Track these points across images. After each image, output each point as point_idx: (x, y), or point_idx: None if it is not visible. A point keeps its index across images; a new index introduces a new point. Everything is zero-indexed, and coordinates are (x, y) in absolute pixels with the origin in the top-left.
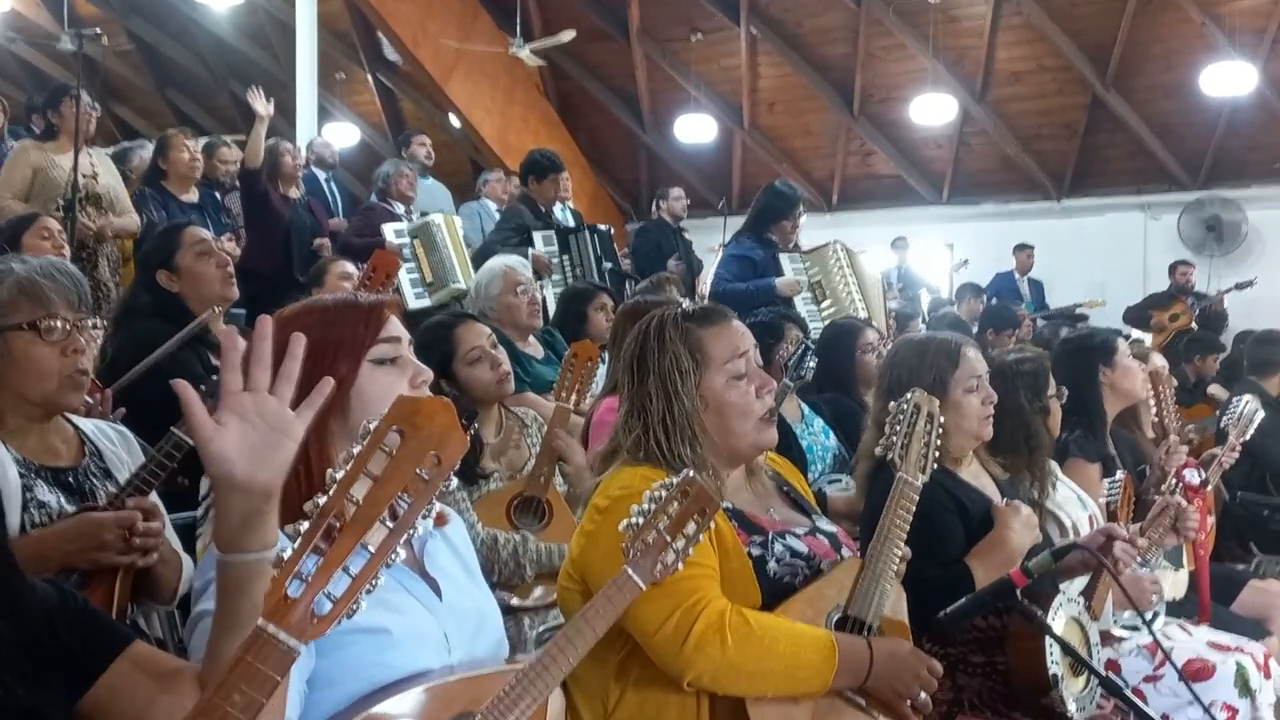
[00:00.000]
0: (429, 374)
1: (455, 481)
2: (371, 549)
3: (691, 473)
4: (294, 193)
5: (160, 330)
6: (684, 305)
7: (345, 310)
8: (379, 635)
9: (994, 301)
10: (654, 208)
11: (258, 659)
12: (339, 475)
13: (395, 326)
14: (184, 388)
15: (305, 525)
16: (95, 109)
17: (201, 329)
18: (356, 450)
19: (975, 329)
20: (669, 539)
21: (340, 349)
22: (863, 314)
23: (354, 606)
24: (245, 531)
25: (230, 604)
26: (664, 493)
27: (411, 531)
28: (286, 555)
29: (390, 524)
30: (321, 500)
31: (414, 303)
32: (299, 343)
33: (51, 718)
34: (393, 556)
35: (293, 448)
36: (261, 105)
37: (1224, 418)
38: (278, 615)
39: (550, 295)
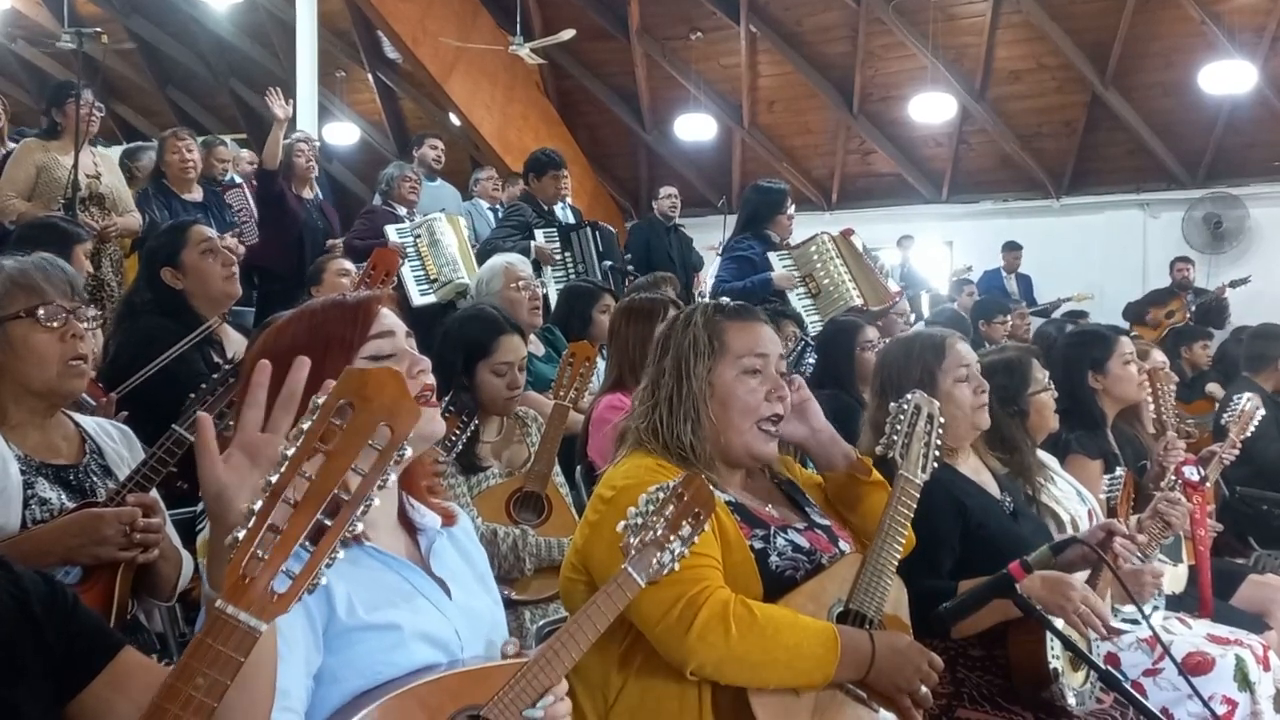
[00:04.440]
0: (426, 363)
1: (408, 451)
2: (328, 523)
3: (676, 481)
4: (308, 193)
5: (163, 327)
6: (722, 301)
7: (332, 310)
8: (389, 632)
9: (984, 297)
10: (651, 207)
11: (218, 640)
12: (290, 452)
13: (387, 320)
14: (205, 423)
15: (259, 503)
16: (100, 109)
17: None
18: (307, 425)
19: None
20: (665, 540)
21: (329, 349)
22: (858, 301)
23: (314, 582)
24: None
25: None
26: (661, 495)
27: (370, 501)
28: (241, 535)
29: (345, 497)
30: (274, 478)
31: (419, 299)
32: (322, 391)
33: (33, 718)
34: (350, 529)
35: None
36: (280, 108)
37: (1225, 415)
38: (236, 595)
39: (552, 290)
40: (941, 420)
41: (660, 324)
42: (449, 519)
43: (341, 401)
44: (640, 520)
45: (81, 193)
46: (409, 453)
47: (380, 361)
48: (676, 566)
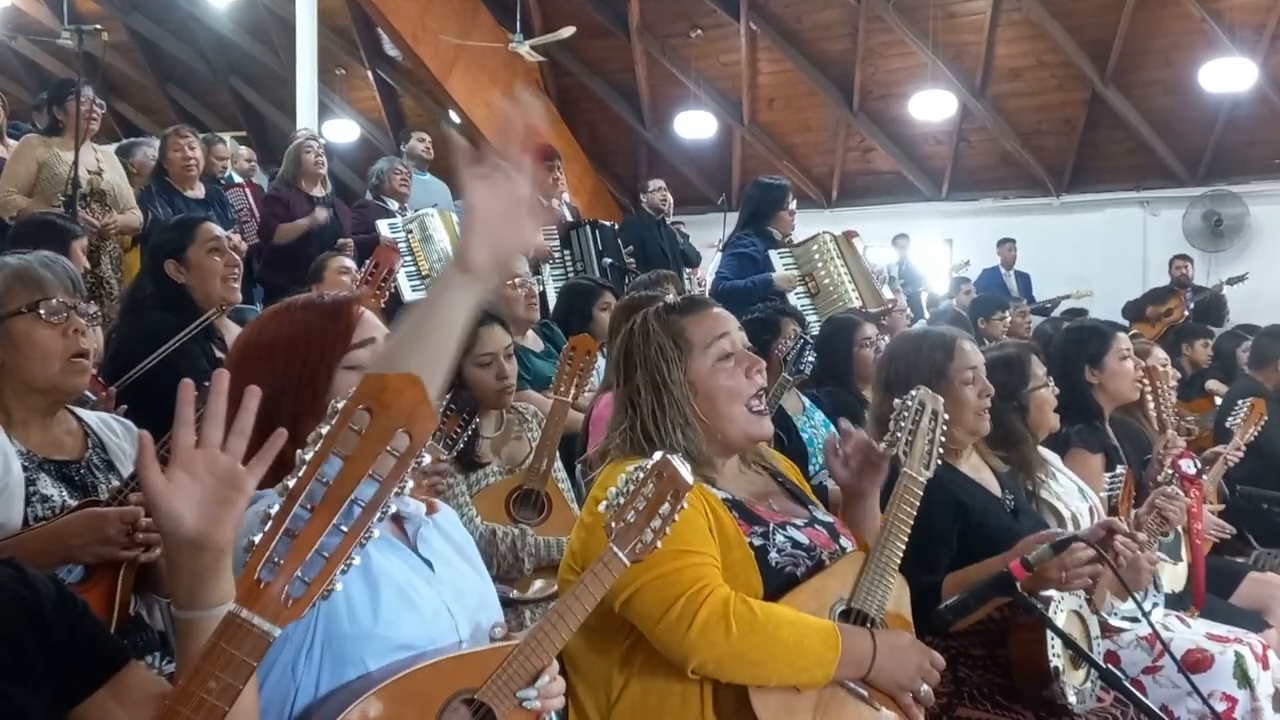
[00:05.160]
0: None
1: (426, 458)
2: (344, 529)
3: (662, 454)
4: (319, 190)
5: (166, 322)
6: (667, 299)
7: (312, 310)
8: (379, 601)
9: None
10: (640, 201)
11: (232, 644)
12: (308, 456)
13: (369, 326)
14: (145, 441)
15: (276, 507)
16: (101, 106)
17: (207, 324)
18: (325, 430)
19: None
20: (647, 519)
21: (310, 348)
22: (856, 302)
23: (329, 588)
24: (199, 587)
25: (189, 659)
26: (640, 474)
27: (386, 509)
28: (257, 540)
29: (363, 503)
30: (290, 483)
31: (410, 295)
32: (252, 397)
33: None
34: (366, 536)
35: (244, 503)
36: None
37: (1230, 418)
38: (251, 599)
39: (550, 287)
40: (945, 417)
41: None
42: (430, 509)
43: (361, 407)
44: (621, 500)
45: (83, 189)
46: (426, 460)
47: (360, 372)
48: (659, 544)
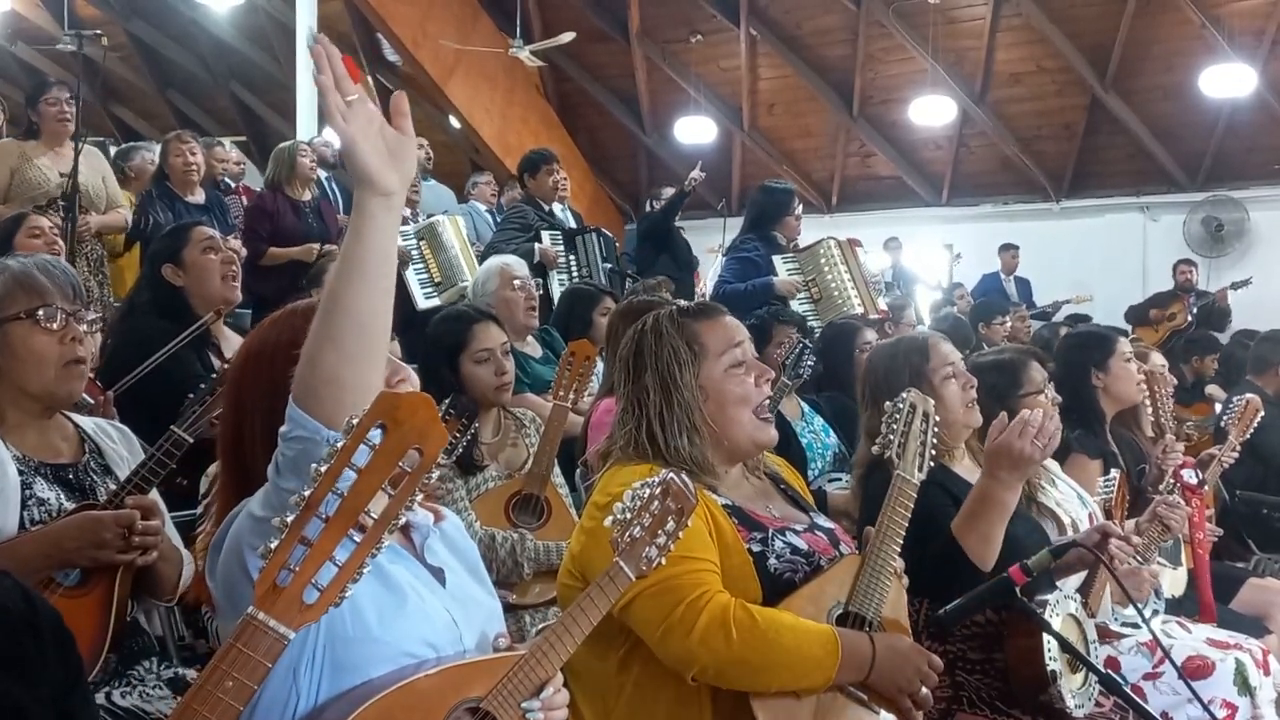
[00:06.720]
0: (408, 372)
1: (436, 474)
2: (357, 540)
3: (669, 473)
4: (306, 195)
5: (160, 329)
6: (679, 303)
7: (315, 315)
8: (385, 609)
9: (981, 300)
10: (649, 206)
11: (248, 646)
12: (323, 469)
13: None
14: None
15: (291, 517)
16: (71, 104)
17: (202, 330)
18: (340, 444)
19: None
20: (653, 534)
21: None
22: (858, 309)
23: (341, 595)
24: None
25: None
26: (647, 490)
27: (396, 521)
28: (275, 546)
29: (374, 516)
30: (306, 493)
31: (424, 303)
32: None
33: (38, 716)
34: (378, 547)
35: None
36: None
37: (1224, 417)
38: (267, 603)
39: (556, 291)
40: (936, 419)
41: None
42: (436, 516)
43: (376, 424)
44: (628, 515)
45: (53, 193)
46: (435, 475)
47: None
48: (663, 560)
